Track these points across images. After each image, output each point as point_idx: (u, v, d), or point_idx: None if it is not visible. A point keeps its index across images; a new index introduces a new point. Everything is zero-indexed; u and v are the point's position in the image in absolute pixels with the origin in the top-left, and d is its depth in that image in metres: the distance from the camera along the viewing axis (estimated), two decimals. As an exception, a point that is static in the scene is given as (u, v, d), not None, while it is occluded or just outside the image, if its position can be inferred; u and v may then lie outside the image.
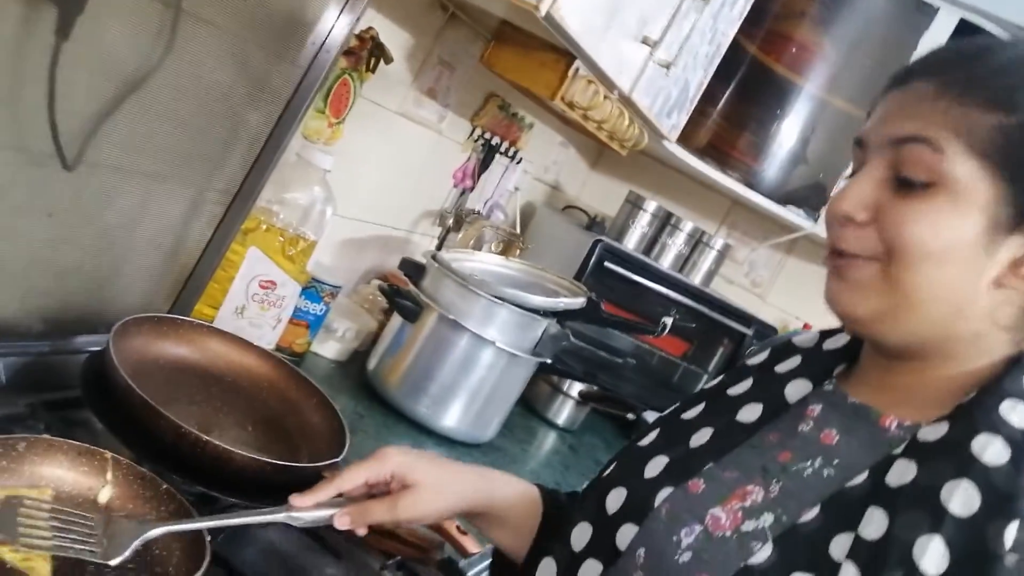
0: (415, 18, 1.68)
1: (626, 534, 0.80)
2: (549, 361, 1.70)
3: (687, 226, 2.45)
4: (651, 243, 2.49)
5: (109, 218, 1.17)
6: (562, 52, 1.48)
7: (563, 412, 2.10)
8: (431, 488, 0.91)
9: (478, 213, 2.27)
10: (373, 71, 1.55)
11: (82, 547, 0.77)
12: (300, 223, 1.46)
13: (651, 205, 2.45)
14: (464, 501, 0.94)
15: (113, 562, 0.77)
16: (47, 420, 1.05)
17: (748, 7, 2.09)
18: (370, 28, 1.53)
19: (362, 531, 0.90)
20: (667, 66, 1.74)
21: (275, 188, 1.43)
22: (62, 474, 0.89)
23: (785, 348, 0.93)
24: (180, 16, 1.10)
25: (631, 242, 2.46)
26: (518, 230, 2.38)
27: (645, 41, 1.61)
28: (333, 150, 1.61)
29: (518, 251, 2.29)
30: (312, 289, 1.59)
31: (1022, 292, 0.72)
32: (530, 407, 2.09)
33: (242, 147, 1.29)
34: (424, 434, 1.63)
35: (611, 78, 1.57)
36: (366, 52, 1.53)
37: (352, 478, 0.90)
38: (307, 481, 1.08)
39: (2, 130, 0.99)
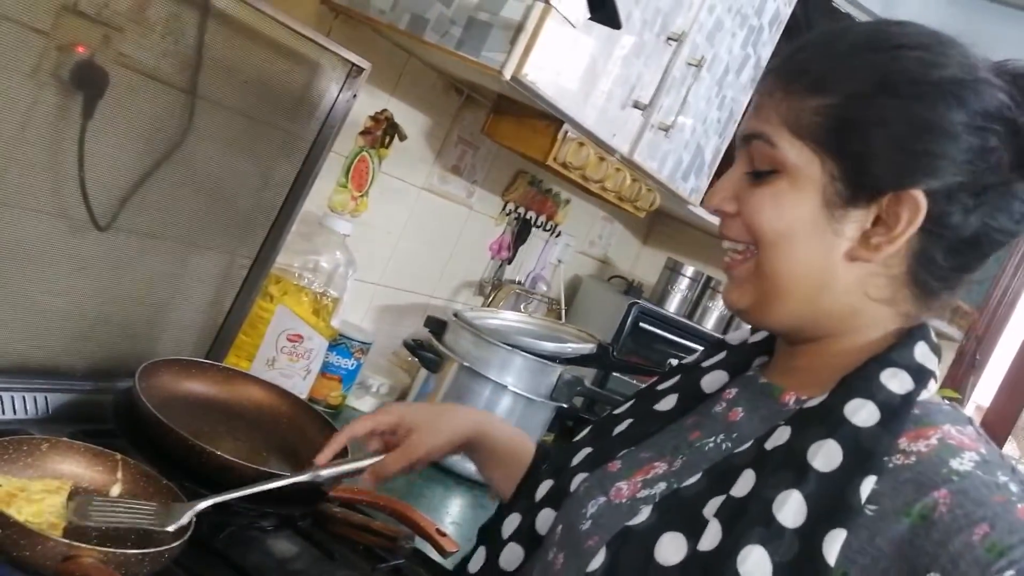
0: (431, 100, 1.88)
1: (545, 518, 0.89)
2: (566, 406, 1.81)
3: (726, 287, 2.54)
4: (693, 306, 2.59)
5: (141, 276, 1.37)
6: (551, 117, 1.64)
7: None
8: (430, 425, 1.08)
9: (518, 284, 2.42)
10: (388, 147, 1.74)
11: (143, 520, 0.94)
12: (325, 284, 1.64)
13: (689, 270, 2.56)
14: (460, 434, 1.10)
15: (171, 528, 0.93)
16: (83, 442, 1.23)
17: (757, 74, 2.22)
18: (384, 110, 1.73)
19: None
20: (666, 129, 1.87)
21: (301, 253, 1.62)
22: (80, 471, 1.05)
23: (717, 345, 1.00)
24: (195, 100, 1.31)
25: (672, 306, 2.56)
26: (561, 300, 2.51)
27: (636, 105, 1.75)
28: (360, 220, 1.79)
29: (557, 317, 2.42)
30: (342, 345, 1.75)
31: (881, 263, 0.77)
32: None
33: (260, 215, 1.48)
34: (452, 477, 1.75)
35: (604, 140, 1.72)
36: (381, 131, 1.73)
37: (360, 426, 1.06)
38: (306, 494, 1.23)
39: (44, 199, 1.20)
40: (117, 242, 1.31)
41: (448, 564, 1.27)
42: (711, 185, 2.23)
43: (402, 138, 1.76)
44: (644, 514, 0.77)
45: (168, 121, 1.30)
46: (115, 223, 1.30)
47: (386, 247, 1.98)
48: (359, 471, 1.08)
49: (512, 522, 0.93)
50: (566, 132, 1.66)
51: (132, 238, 1.34)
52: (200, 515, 1.01)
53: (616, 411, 0.99)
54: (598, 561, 0.75)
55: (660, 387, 0.98)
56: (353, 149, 1.71)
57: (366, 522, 1.21)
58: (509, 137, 1.70)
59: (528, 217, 2.35)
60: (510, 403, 1.75)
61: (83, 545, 0.86)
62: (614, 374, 2.32)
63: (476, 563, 0.94)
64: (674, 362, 1.93)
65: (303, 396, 1.65)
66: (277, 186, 1.49)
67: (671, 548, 0.72)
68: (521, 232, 2.37)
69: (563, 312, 2.45)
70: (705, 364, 0.97)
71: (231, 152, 1.41)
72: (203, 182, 1.39)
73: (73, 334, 1.33)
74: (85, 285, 1.31)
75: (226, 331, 1.52)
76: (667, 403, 0.93)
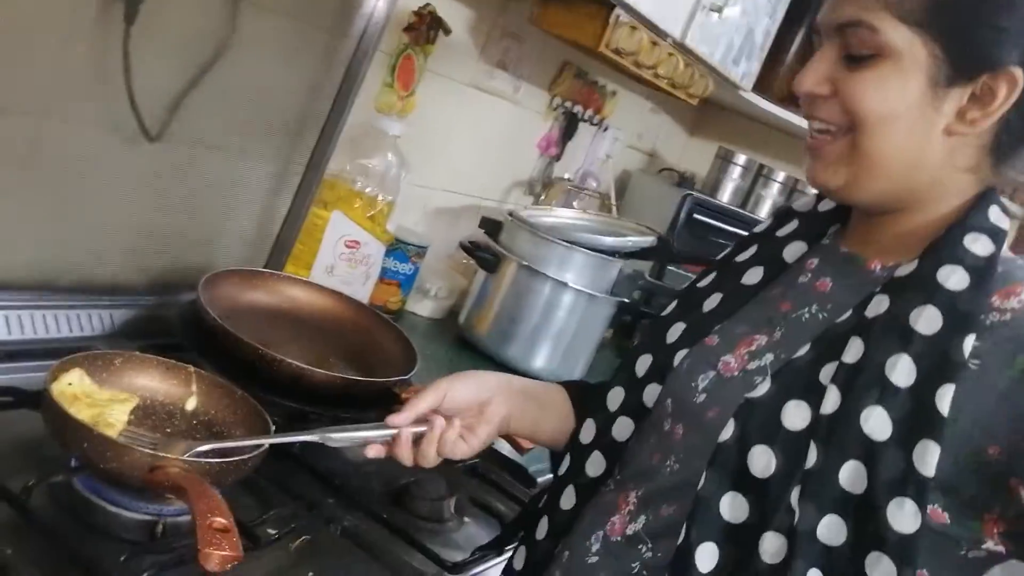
0: (474, -6, 1.81)
1: (652, 392, 0.92)
2: (627, 300, 1.78)
3: (780, 175, 2.47)
4: (746, 196, 2.53)
5: (195, 187, 1.34)
6: (602, 2, 1.57)
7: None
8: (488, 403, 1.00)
9: (568, 180, 2.37)
10: (433, 43, 1.68)
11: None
12: (377, 188, 1.61)
13: (741, 158, 2.49)
14: (508, 399, 1.00)
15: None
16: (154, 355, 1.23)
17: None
18: (427, 3, 1.66)
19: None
20: (718, 10, 1.79)
21: (352, 157, 1.59)
22: (155, 386, 1.04)
23: (786, 213, 1.01)
24: (238, 2, 1.26)
25: (724, 196, 2.50)
26: (612, 195, 2.46)
27: (689, -15, 1.68)
28: (408, 122, 1.75)
29: (610, 212, 2.38)
30: (399, 250, 1.73)
31: (974, 134, 0.79)
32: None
33: (310, 120, 1.44)
34: (509, 368, 1.74)
35: (656, 23, 1.64)
36: (425, 27, 1.66)
37: (426, 402, 0.98)
38: (377, 396, 1.22)
39: (94, 112, 1.17)
40: (169, 153, 1.29)
41: (522, 461, 1.27)
42: (763, 69, 2.16)
43: (447, 32, 1.69)
44: (764, 386, 0.80)
45: (212, 24, 1.25)
46: (165, 133, 1.27)
47: (435, 148, 1.94)
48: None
49: (616, 396, 0.95)
50: (618, 17, 1.59)
51: (183, 148, 1.31)
52: (275, 422, 1.01)
53: (700, 284, 1.00)
54: (728, 432, 0.79)
55: (740, 259, 0.98)
56: (397, 46, 1.65)
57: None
58: (558, 25, 1.64)
59: (575, 111, 2.29)
60: (571, 300, 1.73)
61: (169, 456, 0.86)
62: (670, 267, 2.28)
63: (587, 434, 0.96)
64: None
65: (363, 302, 1.64)
66: (325, 89, 1.45)
67: (796, 415, 0.77)
68: (568, 127, 2.30)
69: (614, 207, 2.40)
70: (780, 234, 0.98)
71: (276, 56, 1.37)
72: (250, 88, 1.35)
73: (132, 250, 1.31)
74: (140, 199, 1.29)
75: (283, 240, 1.50)
76: (753, 276, 0.94)
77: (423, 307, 1.86)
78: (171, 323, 1.26)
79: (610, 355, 1.94)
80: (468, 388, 0.98)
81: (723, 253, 1.05)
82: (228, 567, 0.72)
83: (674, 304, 1.01)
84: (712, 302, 0.95)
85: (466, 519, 1.19)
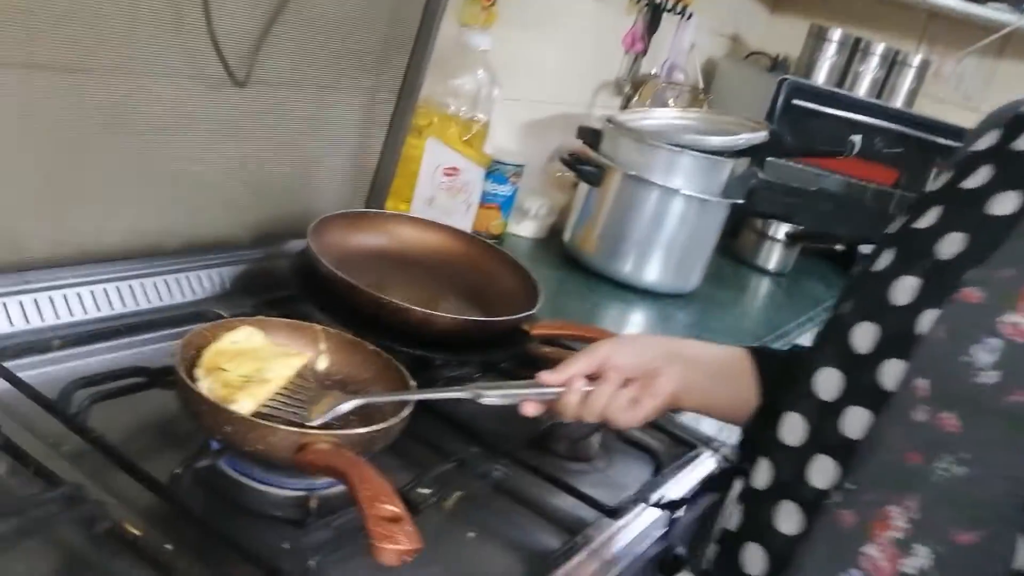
0: None
1: (891, 371, 0.70)
2: (742, 202, 1.67)
3: (879, 48, 2.30)
4: (842, 74, 2.36)
5: (287, 130, 1.27)
6: None
7: (772, 257, 2.06)
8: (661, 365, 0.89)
9: (656, 76, 2.24)
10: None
11: (293, 411, 0.86)
12: (471, 108, 1.51)
13: (836, 34, 2.32)
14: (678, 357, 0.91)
15: (311, 423, 0.85)
16: (271, 315, 1.17)
17: None
18: (502, -97, 1.54)
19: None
20: None
21: (441, 79, 1.49)
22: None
23: (1019, 122, 0.81)
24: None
25: (820, 77, 2.34)
26: (700, 86, 2.32)
27: None
28: (492, 33, 1.64)
29: (703, 106, 2.24)
30: (496, 172, 1.64)
31: None
32: (739, 258, 2.07)
33: (395, 44, 1.35)
34: (629, 291, 1.67)
35: None
36: (502, -72, 1.54)
37: (582, 365, 0.89)
38: (505, 336, 1.15)
39: (177, 60, 1.10)
40: (257, 96, 1.21)
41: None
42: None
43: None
44: None
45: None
46: (251, 76, 1.19)
47: (519, 58, 1.82)
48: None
49: (831, 380, 0.75)
50: None
51: (271, 90, 1.23)
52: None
53: (919, 224, 0.79)
54: None
55: (968, 185, 0.79)
56: (476, -47, 1.54)
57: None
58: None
59: (658, 1, 2.14)
60: (681, 207, 1.63)
61: (315, 431, 0.80)
62: (769, 160, 2.15)
63: (793, 434, 0.76)
64: (856, 138, 1.77)
65: (467, 231, 1.57)
66: (409, 9, 1.35)
67: None
68: (653, 20, 2.16)
69: (705, 98, 2.26)
70: (1022, 146, 0.78)
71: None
72: (331, 19, 1.26)
73: (231, 203, 1.25)
74: (234, 149, 1.22)
75: (381, 175, 1.42)
76: (1002, 204, 0.74)
77: (524, 228, 1.78)
78: (282, 276, 1.20)
79: (725, 263, 1.84)
80: (633, 354, 0.88)
81: (936, 184, 0.84)
82: (407, 560, 0.66)
83: (889, 254, 0.79)
84: (951, 245, 0.74)
85: (614, 456, 1.13)
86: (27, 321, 0.99)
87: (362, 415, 0.95)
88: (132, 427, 0.91)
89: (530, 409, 0.87)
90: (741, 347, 0.92)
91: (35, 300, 1.00)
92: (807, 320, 1.81)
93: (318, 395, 0.90)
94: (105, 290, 1.07)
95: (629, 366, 0.88)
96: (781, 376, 0.84)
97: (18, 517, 0.70)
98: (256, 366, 0.89)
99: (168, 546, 0.75)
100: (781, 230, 2.03)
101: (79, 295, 1.04)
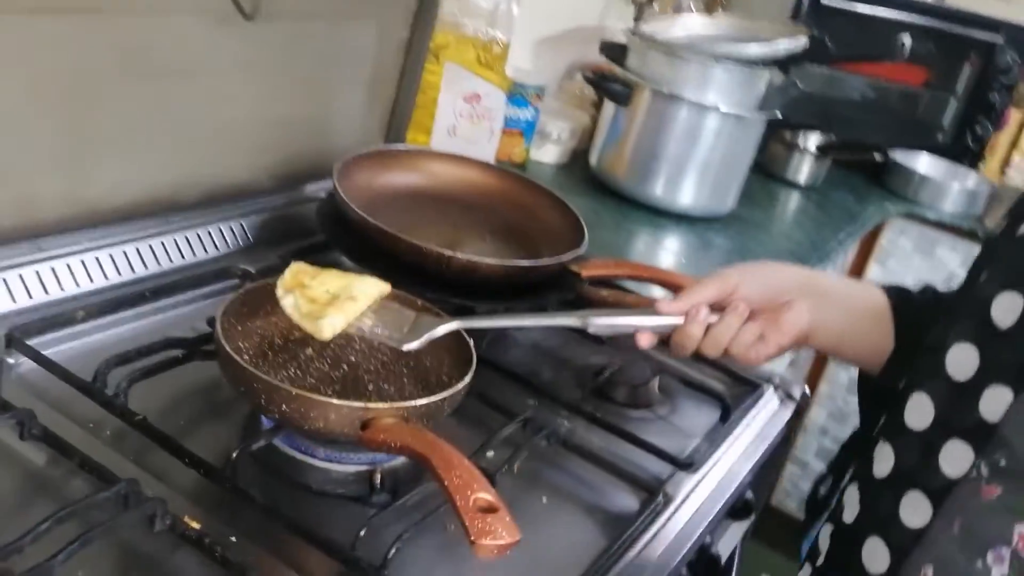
0: None
1: None
2: (780, 116, 1.58)
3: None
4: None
5: (301, 65, 1.17)
6: None
7: (803, 169, 1.98)
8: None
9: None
10: None
11: (386, 333, 0.80)
12: (489, 28, 1.41)
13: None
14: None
15: (406, 347, 0.80)
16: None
17: None
18: None
19: None
20: None
21: (456, -2, 1.39)
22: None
23: None
24: None
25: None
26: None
27: None
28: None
29: (720, 7, 2.13)
30: (517, 95, 1.54)
31: None
32: (767, 171, 1.99)
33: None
34: (662, 217, 1.59)
35: None
36: None
37: (707, 294, 0.80)
38: (552, 279, 1.08)
39: (183, -5, 1.00)
40: (268, 31, 1.10)
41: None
42: None
43: None
44: None
45: None
46: (260, 8, 1.08)
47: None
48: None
49: (963, 358, 0.65)
50: None
51: (282, 23, 1.12)
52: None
53: None
54: None
55: None
56: None
57: (638, 300, 1.06)
58: None
59: (671, -101, 2.01)
60: (716, 124, 1.54)
61: (378, 405, 0.73)
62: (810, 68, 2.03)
63: (920, 417, 0.67)
64: (906, 38, 1.66)
65: (490, 161, 1.48)
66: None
67: None
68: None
69: (725, 3, 2.15)
70: None
71: None
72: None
73: (250, 147, 1.16)
74: (248, 89, 1.13)
75: (401, 106, 1.33)
76: None
77: (546, 153, 1.68)
78: (307, 222, 1.12)
79: (753, 178, 1.76)
80: (763, 284, 0.80)
81: None
82: (504, 554, 0.60)
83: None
84: None
85: (676, 400, 1.07)
86: (46, 292, 0.91)
87: (416, 378, 0.89)
88: (173, 402, 0.84)
89: (645, 340, 0.80)
90: (877, 284, 0.84)
91: (52, 268, 0.92)
92: (847, 236, 1.74)
93: (406, 317, 0.84)
94: (125, 252, 0.99)
95: (758, 297, 0.80)
96: (917, 324, 0.76)
97: (76, 520, 0.64)
98: (342, 283, 0.82)
99: (233, 538, 0.69)
100: (811, 141, 1.94)
101: (98, 259, 0.96)
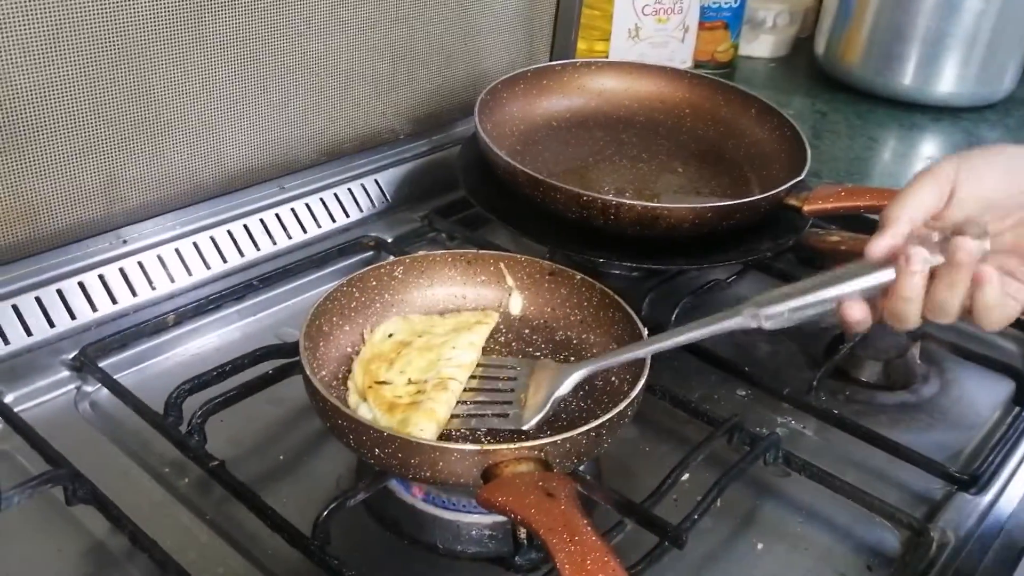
0: None
1: None
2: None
3: None
4: None
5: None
6: None
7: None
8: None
9: None
10: None
11: (495, 419, 0.59)
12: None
13: None
14: None
15: (526, 427, 0.58)
16: (446, 229, 0.90)
17: None
18: None
19: None
20: None
21: None
22: (461, 293, 0.71)
23: None
24: None
25: None
26: None
27: None
28: None
29: None
30: (716, -22, 1.26)
31: None
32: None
33: None
34: (914, 112, 1.29)
35: None
36: None
37: (919, 205, 0.52)
38: (768, 218, 0.81)
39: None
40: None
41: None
42: None
43: None
44: None
45: None
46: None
47: None
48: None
49: None
50: None
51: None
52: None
53: None
54: None
55: None
56: None
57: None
58: None
59: None
60: None
61: (501, 447, 0.52)
62: None
63: None
64: None
65: (687, 66, 1.21)
66: None
67: None
68: None
69: None
70: None
71: None
72: None
73: (379, 83, 0.97)
74: (373, 9, 0.92)
75: (564, 10, 1.08)
76: None
77: (760, 46, 1.39)
78: (451, 170, 0.91)
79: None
80: (999, 178, 0.51)
81: None
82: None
83: None
84: None
85: (947, 374, 0.78)
86: (134, 294, 0.76)
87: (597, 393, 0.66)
88: (265, 433, 0.67)
89: (855, 314, 0.52)
90: None
91: (139, 263, 0.77)
92: None
93: (524, 370, 0.62)
94: (230, 231, 0.83)
95: (994, 197, 0.51)
96: None
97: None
98: (428, 359, 0.62)
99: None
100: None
101: (196, 245, 0.80)
